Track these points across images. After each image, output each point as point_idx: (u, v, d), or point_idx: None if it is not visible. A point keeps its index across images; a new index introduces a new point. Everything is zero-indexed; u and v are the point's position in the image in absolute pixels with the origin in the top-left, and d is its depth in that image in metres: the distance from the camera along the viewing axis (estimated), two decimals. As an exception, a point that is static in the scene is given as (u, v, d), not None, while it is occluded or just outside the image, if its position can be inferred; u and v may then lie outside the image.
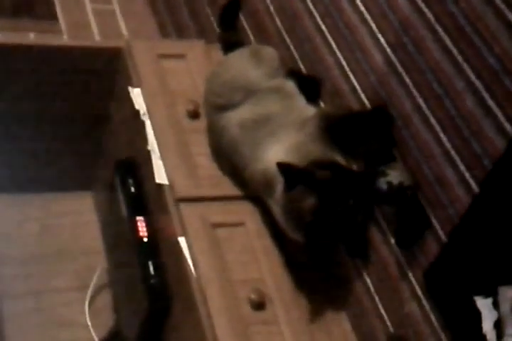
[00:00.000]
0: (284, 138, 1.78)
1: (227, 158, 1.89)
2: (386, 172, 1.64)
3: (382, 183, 1.64)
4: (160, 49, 2.19)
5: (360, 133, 1.77)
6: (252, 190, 1.85)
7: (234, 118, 1.87)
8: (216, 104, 1.92)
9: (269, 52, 1.99)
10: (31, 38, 2.77)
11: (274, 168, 1.67)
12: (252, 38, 2.29)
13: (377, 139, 1.75)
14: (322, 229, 1.63)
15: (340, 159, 1.72)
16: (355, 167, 1.75)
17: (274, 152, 1.75)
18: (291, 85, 1.91)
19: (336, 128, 1.76)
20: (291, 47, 2.09)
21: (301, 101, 1.88)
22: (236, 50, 2.04)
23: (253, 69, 1.92)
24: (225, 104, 1.90)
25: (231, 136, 1.86)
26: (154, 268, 1.91)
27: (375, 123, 1.75)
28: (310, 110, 1.85)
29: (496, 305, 1.40)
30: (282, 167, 1.64)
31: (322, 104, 1.98)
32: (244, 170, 1.83)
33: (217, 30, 2.41)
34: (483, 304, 1.41)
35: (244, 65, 1.95)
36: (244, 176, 1.84)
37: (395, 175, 1.63)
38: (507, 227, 1.38)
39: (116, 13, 3.02)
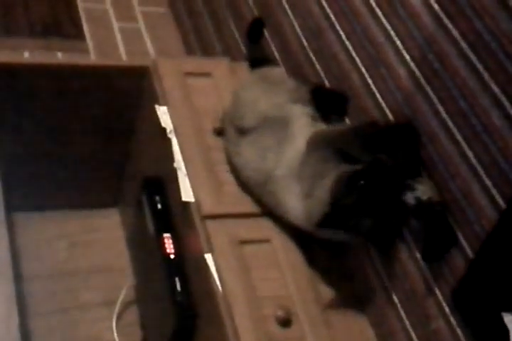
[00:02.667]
0: (289, 193, 1.79)
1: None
2: (414, 186, 1.63)
3: (410, 198, 1.63)
4: (186, 67, 2.21)
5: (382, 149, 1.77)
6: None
7: (242, 158, 1.90)
8: (231, 126, 1.95)
9: (277, 74, 2.02)
10: (59, 57, 2.80)
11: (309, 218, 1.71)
12: (277, 55, 2.31)
13: (403, 154, 1.75)
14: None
15: None
16: None
17: (293, 206, 1.79)
18: (297, 113, 1.89)
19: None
20: (316, 64, 2.10)
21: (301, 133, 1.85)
22: (251, 75, 2.09)
23: (262, 98, 1.94)
24: (237, 127, 1.92)
25: (245, 177, 1.90)
26: (181, 285, 1.92)
27: (400, 139, 1.75)
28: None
29: (524, 321, 1.39)
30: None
31: (348, 121, 1.98)
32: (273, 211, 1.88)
33: (243, 47, 2.44)
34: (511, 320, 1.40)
35: (254, 94, 1.97)
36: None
37: (423, 190, 1.62)
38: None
39: (142, 31, 3.05)
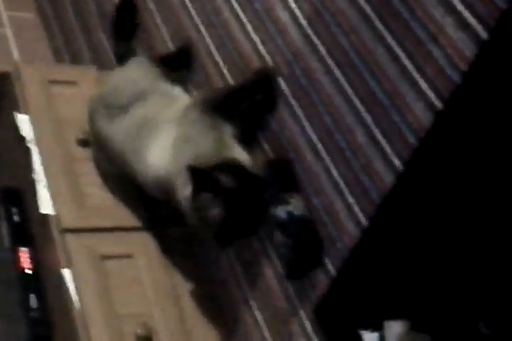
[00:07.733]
0: (164, 136, 1.74)
1: (114, 170, 1.87)
2: (287, 200, 1.60)
3: (281, 211, 1.58)
4: (51, 75, 2.13)
5: (244, 103, 1.78)
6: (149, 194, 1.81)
7: (117, 127, 1.84)
8: (103, 110, 1.89)
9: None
10: None
11: (162, 171, 1.67)
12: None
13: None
14: (230, 233, 1.59)
15: (243, 156, 1.67)
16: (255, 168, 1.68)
17: (156, 153, 1.73)
18: (171, 87, 1.91)
19: (221, 104, 1.75)
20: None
21: (180, 98, 1.87)
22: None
23: (138, 74, 1.94)
24: (111, 109, 1.87)
25: (115, 145, 1.83)
26: (37, 302, 1.83)
27: (256, 90, 1.77)
28: (187, 100, 1.85)
29: (382, 339, 1.39)
30: (194, 171, 1.57)
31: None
32: (135, 179, 1.79)
33: (112, 56, 2.38)
34: (370, 338, 1.41)
35: (130, 71, 1.97)
36: (138, 184, 1.80)
37: (296, 205, 1.59)
38: (395, 262, 1.39)
39: (8, 36, 2.94)
